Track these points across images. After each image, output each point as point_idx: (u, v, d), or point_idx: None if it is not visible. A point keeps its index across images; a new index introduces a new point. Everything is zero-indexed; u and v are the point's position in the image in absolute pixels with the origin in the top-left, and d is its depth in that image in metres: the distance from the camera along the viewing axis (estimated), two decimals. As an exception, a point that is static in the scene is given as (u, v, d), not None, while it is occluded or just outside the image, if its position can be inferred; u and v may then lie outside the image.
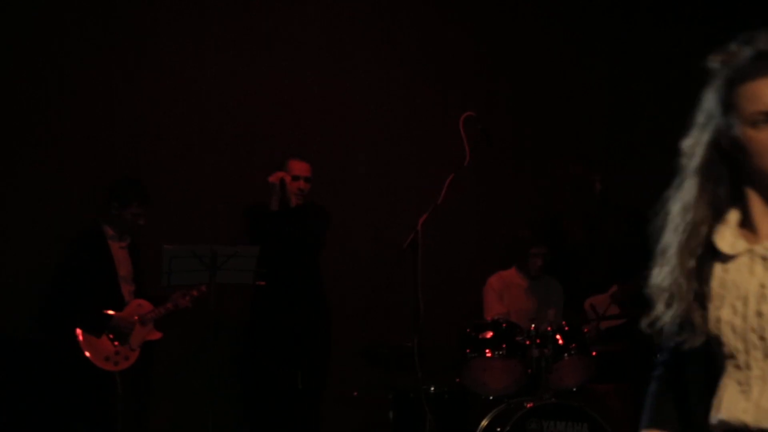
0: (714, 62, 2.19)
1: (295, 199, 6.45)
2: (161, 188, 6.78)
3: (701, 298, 2.21)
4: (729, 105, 2.16)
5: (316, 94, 7.55)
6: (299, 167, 6.55)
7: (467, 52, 7.87)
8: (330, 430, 6.75)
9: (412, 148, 7.64)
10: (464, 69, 7.82)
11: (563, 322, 6.18)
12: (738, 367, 2.18)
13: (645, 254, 6.37)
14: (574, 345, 6.04)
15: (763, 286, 2.15)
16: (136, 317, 6.21)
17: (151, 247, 6.38)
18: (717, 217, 2.22)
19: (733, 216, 2.23)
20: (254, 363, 6.56)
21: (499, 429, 5.76)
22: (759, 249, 2.18)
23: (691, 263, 2.21)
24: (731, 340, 2.17)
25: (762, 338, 2.14)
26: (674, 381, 2.33)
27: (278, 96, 7.47)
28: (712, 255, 2.22)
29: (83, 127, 7.02)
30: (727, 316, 2.18)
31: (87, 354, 6.04)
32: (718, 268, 2.21)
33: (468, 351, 6.10)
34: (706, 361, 2.24)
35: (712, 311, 2.20)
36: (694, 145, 2.22)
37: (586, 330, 6.10)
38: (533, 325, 6.03)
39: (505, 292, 6.76)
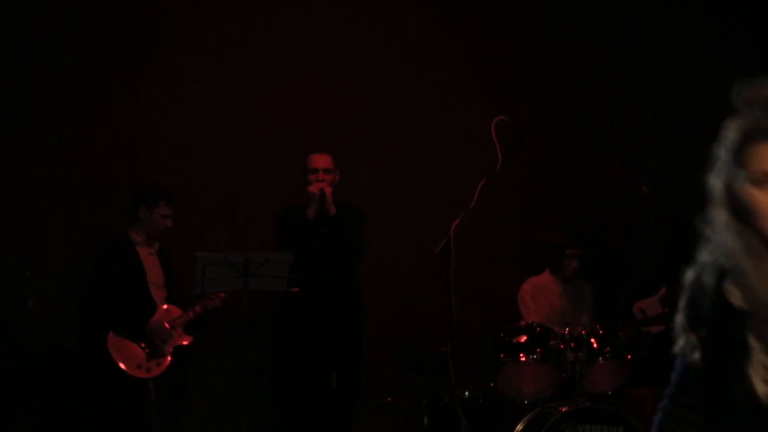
0: (738, 98, 2.16)
1: (323, 184, 6.40)
2: (184, 195, 6.81)
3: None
4: (738, 157, 2.13)
5: (345, 98, 7.55)
6: (316, 160, 6.50)
7: (500, 54, 7.84)
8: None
9: (444, 153, 7.62)
10: (497, 72, 7.80)
11: (597, 326, 6.15)
12: None
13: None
14: (608, 349, 6.02)
15: None
16: (167, 324, 6.23)
17: (177, 255, 6.41)
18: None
19: (746, 261, 2.17)
20: (286, 365, 6.54)
21: (534, 434, 5.75)
22: None
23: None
24: None
25: None
26: None
27: (306, 101, 7.47)
28: None
29: (116, 134, 7.07)
30: None
31: (119, 363, 6.06)
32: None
33: (502, 355, 6.09)
34: None
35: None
36: (714, 185, 2.19)
37: (621, 337, 6.07)
38: (567, 329, 6.01)
39: (538, 296, 6.74)
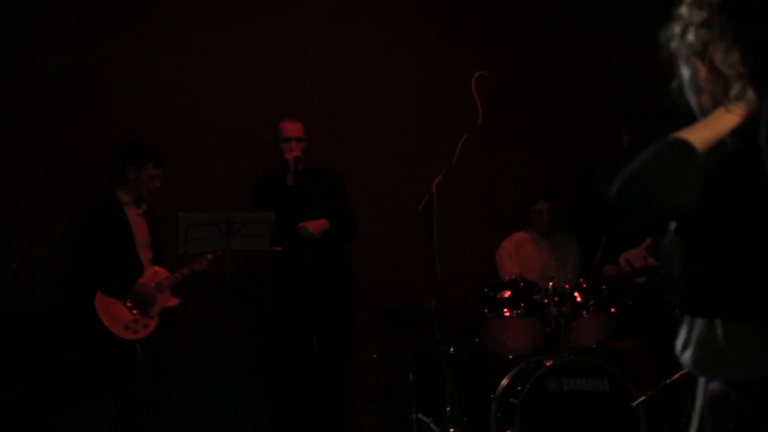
0: None
1: (297, 152, 6.40)
2: (173, 156, 6.77)
3: None
4: None
5: (327, 57, 7.50)
6: (289, 128, 6.51)
7: (480, 8, 7.77)
8: (351, 394, 6.77)
9: (425, 110, 7.58)
10: (477, 27, 7.74)
11: (581, 279, 6.16)
12: None
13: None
14: (592, 302, 6.04)
15: None
16: (153, 284, 6.22)
17: (168, 216, 6.38)
18: None
19: None
20: (272, 329, 6.56)
21: (519, 388, 5.78)
22: None
23: None
24: None
25: None
26: None
27: (289, 61, 7.42)
28: None
29: (95, 96, 7.01)
30: None
31: (106, 324, 6.06)
32: None
33: (486, 311, 6.11)
34: None
35: None
36: None
37: (605, 288, 6.08)
38: (551, 284, 6.03)
39: (519, 253, 6.74)
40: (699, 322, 2.23)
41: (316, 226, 6.35)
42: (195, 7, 7.32)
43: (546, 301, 6.01)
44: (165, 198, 6.46)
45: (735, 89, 2.13)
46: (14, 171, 6.82)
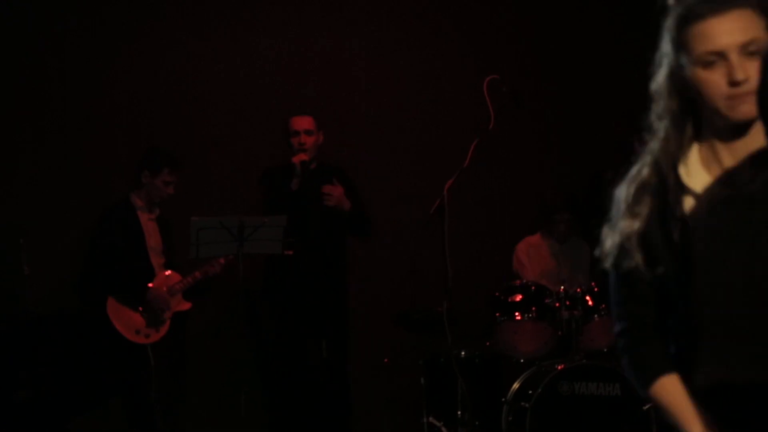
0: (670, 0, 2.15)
1: (303, 155, 6.31)
2: (188, 161, 6.79)
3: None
4: (680, 45, 2.12)
5: (338, 59, 7.52)
6: (297, 122, 6.43)
7: (492, 11, 7.78)
8: (362, 397, 6.77)
9: (437, 113, 7.59)
10: (489, 29, 7.74)
11: (593, 283, 6.16)
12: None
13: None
14: (604, 306, 6.03)
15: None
16: (165, 288, 6.24)
17: (180, 220, 6.40)
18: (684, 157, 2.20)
19: (695, 152, 2.20)
20: (269, 334, 6.51)
21: (530, 392, 5.77)
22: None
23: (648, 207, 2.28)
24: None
25: None
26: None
27: (300, 63, 7.45)
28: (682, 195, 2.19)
29: (109, 101, 7.04)
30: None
31: (118, 328, 6.07)
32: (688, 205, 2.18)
33: (498, 314, 6.11)
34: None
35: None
36: (658, 87, 2.21)
37: None
38: (563, 287, 6.03)
39: (533, 256, 6.75)
40: None
41: (339, 192, 6.33)
42: (209, 9, 7.34)
43: (557, 304, 6.01)
44: (176, 202, 6.48)
45: None
46: (27, 176, 6.85)
